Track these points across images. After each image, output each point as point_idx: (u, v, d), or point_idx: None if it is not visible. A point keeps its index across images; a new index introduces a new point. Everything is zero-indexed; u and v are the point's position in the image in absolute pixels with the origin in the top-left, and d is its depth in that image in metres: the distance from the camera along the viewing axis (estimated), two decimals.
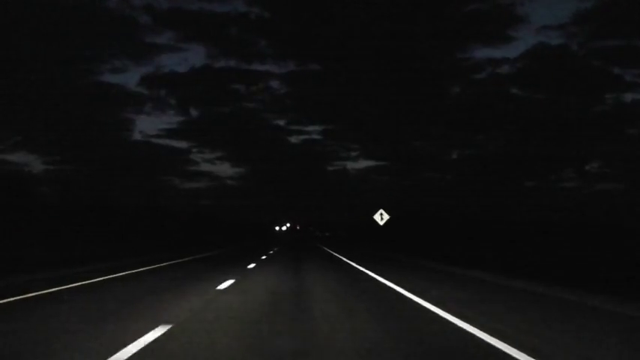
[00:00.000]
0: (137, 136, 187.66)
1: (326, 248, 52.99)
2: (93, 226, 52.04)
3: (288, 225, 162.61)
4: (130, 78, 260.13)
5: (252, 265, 23.86)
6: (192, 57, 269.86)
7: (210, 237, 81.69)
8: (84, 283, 15.33)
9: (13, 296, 11.82)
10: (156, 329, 7.86)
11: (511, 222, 71.31)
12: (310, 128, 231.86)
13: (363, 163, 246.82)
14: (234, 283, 15.28)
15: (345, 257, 32.75)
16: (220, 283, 14.96)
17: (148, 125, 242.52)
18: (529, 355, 6.42)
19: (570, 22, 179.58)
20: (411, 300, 11.65)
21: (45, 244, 32.22)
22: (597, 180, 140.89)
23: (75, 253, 29.29)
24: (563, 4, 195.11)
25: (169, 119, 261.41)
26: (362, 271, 20.99)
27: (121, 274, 18.76)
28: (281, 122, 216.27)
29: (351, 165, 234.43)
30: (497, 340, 7.20)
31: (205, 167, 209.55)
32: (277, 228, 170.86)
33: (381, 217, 42.67)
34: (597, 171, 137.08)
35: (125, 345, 6.81)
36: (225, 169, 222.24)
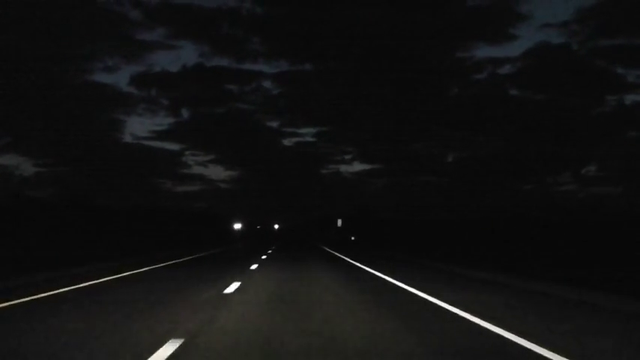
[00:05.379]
0: (128, 138, 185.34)
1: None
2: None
3: (276, 226, 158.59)
4: (121, 78, 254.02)
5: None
6: (184, 55, 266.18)
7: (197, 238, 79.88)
8: None
9: None
10: None
11: (508, 223, 69.84)
12: (304, 130, 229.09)
13: (357, 167, 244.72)
14: None
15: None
16: None
17: (139, 127, 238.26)
18: None
19: (573, 19, 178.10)
20: None
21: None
22: (594, 183, 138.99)
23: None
24: (566, 1, 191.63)
25: (161, 120, 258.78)
26: None
27: None
28: (274, 124, 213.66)
29: (345, 168, 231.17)
30: None
31: (198, 170, 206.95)
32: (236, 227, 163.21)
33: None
34: (595, 174, 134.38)
35: None
36: (217, 171, 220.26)
